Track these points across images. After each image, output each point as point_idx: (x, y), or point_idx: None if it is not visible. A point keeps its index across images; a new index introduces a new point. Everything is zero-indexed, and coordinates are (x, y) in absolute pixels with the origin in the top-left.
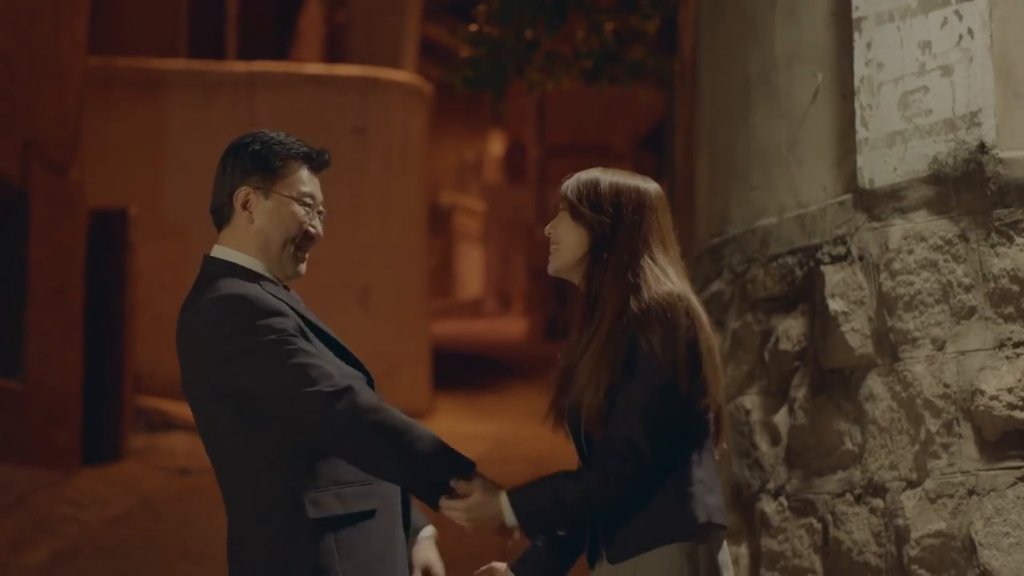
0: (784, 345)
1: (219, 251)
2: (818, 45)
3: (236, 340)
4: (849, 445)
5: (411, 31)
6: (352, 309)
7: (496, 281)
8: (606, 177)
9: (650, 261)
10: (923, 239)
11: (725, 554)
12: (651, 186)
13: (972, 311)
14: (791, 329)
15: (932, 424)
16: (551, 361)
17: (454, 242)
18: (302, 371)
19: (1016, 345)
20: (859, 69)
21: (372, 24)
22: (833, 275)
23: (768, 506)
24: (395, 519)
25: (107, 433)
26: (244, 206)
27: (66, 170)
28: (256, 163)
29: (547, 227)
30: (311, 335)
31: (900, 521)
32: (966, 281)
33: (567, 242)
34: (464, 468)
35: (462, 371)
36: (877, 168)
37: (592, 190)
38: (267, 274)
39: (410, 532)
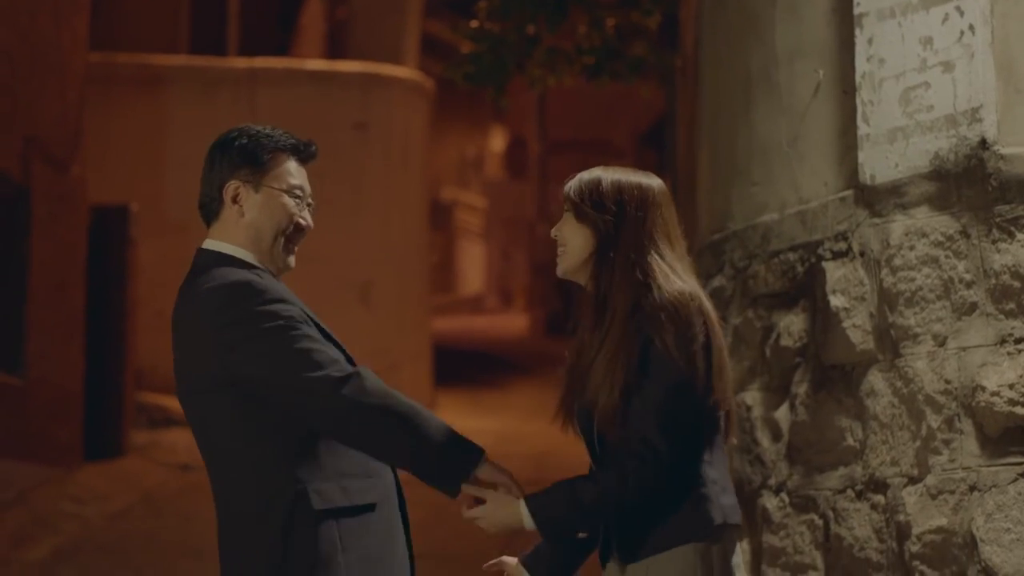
0: (785, 341)
1: (211, 244)
2: (819, 41)
3: (240, 327)
4: (850, 441)
5: (412, 27)
6: (353, 305)
7: (497, 277)
8: (608, 175)
9: (657, 258)
10: (924, 235)
11: (738, 555)
12: (654, 182)
13: (973, 307)
14: (792, 325)
15: (933, 420)
16: (552, 357)
17: (455, 238)
18: (308, 356)
19: (1017, 341)
20: (860, 65)
21: (373, 20)
22: (834, 271)
23: (769, 502)
24: (394, 514)
25: (108, 429)
26: (234, 200)
27: (67, 166)
28: (244, 157)
29: (553, 229)
30: (311, 324)
31: (901, 517)
32: (967, 277)
33: (573, 243)
34: (473, 455)
35: (463, 367)
36: (878, 164)
37: (594, 189)
38: (259, 265)
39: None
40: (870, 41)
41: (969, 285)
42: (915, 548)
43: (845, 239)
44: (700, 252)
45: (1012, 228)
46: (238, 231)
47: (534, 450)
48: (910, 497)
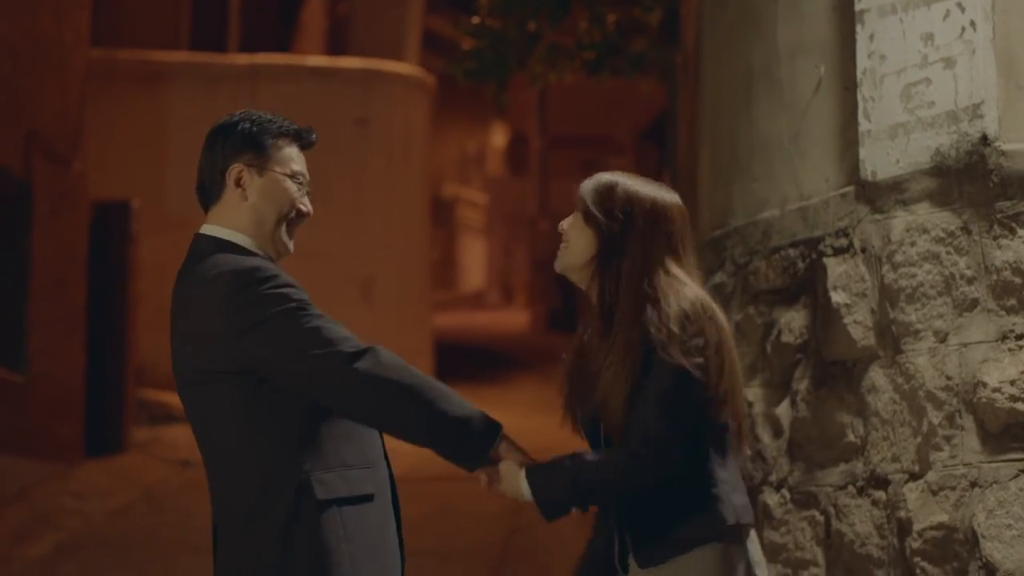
0: (786, 337)
1: (210, 229)
2: (820, 37)
3: (252, 311)
4: (851, 437)
5: (413, 23)
6: (354, 301)
7: (498, 273)
8: (624, 183)
9: (663, 272)
10: (925, 231)
11: (757, 552)
12: (669, 197)
13: (974, 303)
14: (793, 321)
15: (934, 416)
16: (554, 353)
17: (456, 234)
18: (321, 334)
19: (1019, 337)
20: (861, 61)
21: (374, 16)
22: (835, 267)
23: (770, 498)
24: (388, 505)
25: (109, 426)
26: (237, 183)
27: (68, 162)
28: (249, 141)
29: (562, 223)
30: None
31: (902, 513)
32: (968, 273)
33: (576, 243)
34: (491, 430)
35: (465, 363)
36: (879, 160)
37: (606, 194)
38: (259, 252)
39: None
40: (871, 37)
41: (970, 281)
42: (916, 544)
43: (846, 235)
44: (701, 248)
45: (1013, 224)
46: (240, 215)
47: (536, 446)
48: (911, 493)
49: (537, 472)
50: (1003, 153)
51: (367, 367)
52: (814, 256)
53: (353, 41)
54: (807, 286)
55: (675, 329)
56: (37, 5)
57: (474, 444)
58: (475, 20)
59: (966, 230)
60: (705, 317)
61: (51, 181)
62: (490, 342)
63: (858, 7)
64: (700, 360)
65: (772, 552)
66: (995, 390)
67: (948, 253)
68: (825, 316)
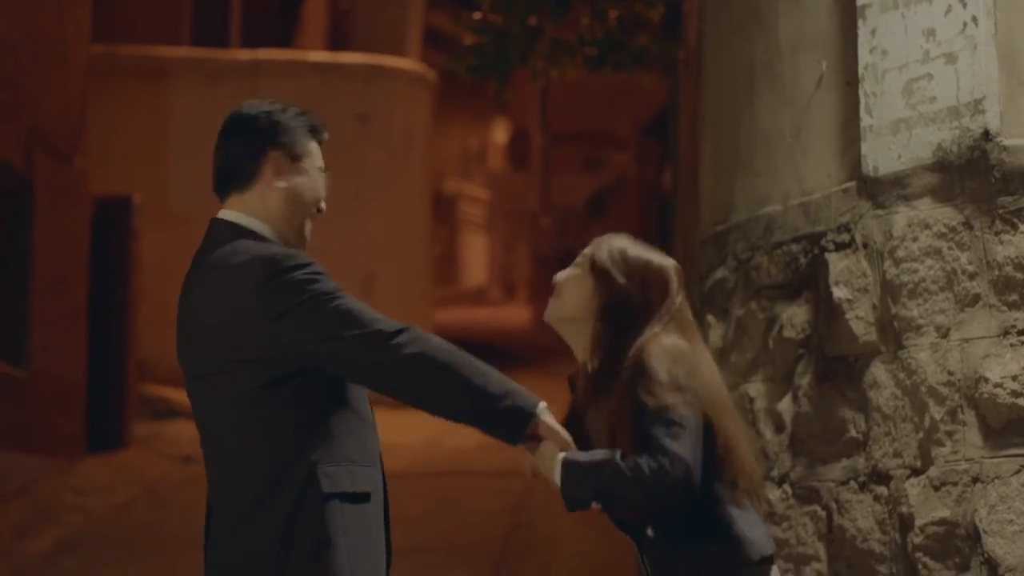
0: (788, 332)
1: (231, 215)
2: (822, 32)
3: (288, 296)
4: (853, 432)
5: (415, 19)
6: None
7: (500, 269)
8: (634, 249)
9: (661, 332)
10: (927, 226)
11: None
12: (669, 262)
13: (976, 299)
14: (795, 316)
15: (936, 412)
16: (555, 349)
17: (458, 230)
18: (358, 316)
19: (1020, 333)
20: (863, 56)
21: (376, 12)
22: (837, 262)
23: (772, 493)
24: (381, 506)
25: (111, 421)
26: (275, 173)
27: (70, 158)
28: (286, 132)
29: (558, 275)
30: None
31: (904, 508)
32: (970, 269)
33: (570, 297)
34: (530, 406)
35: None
36: (881, 155)
37: (620, 258)
38: (277, 241)
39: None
40: (873, 32)
41: (972, 277)
42: (918, 540)
43: (848, 230)
44: (703, 243)
45: (1015, 220)
46: (269, 204)
47: None
48: (913, 489)
49: (571, 467)
50: (1005, 148)
51: (407, 344)
52: (816, 251)
53: (355, 37)
54: (809, 281)
55: (644, 373)
56: (38, 1)
57: (514, 420)
58: (477, 16)
59: (968, 225)
60: (671, 357)
61: (53, 177)
62: (492, 338)
63: (859, 2)
64: (674, 390)
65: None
66: (997, 385)
67: (950, 248)
68: (827, 311)
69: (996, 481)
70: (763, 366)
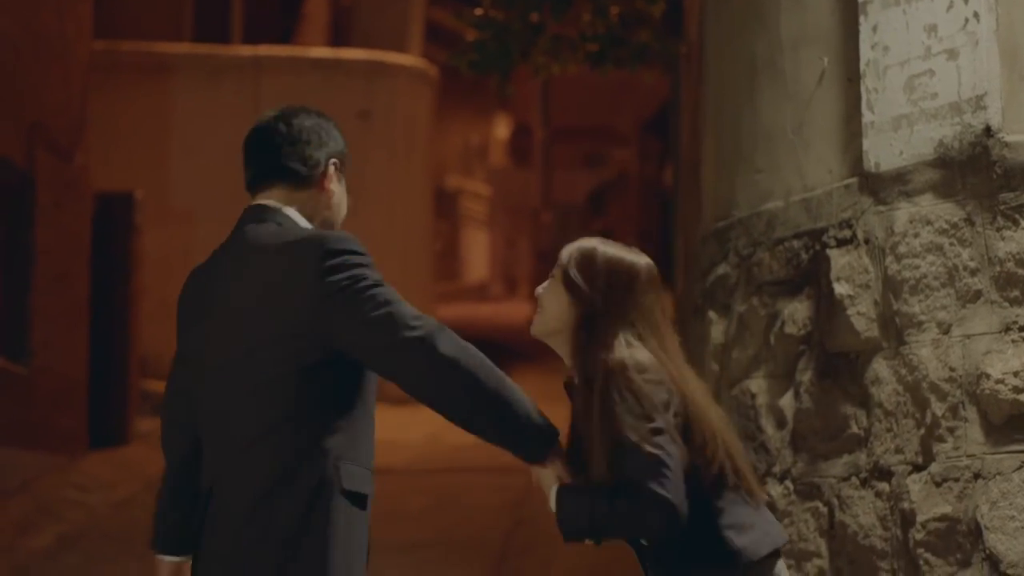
0: (790, 329)
1: (281, 206)
2: (824, 28)
3: (343, 276)
4: (855, 429)
5: (416, 15)
6: None
7: (502, 265)
8: (603, 249)
9: (635, 339)
10: (929, 223)
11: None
12: (642, 260)
13: (978, 295)
14: (797, 313)
15: (938, 408)
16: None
17: (460, 226)
18: (400, 308)
19: (1022, 329)
20: (865, 52)
21: (377, 8)
22: (839, 258)
23: (774, 490)
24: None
25: (113, 417)
26: (329, 178)
27: (71, 154)
28: (342, 144)
29: (538, 288)
30: None
31: (906, 505)
32: (972, 265)
33: (550, 309)
34: (552, 433)
35: None
36: (883, 151)
37: (587, 263)
38: None
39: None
40: (874, 29)
41: (974, 273)
42: (919, 536)
43: (850, 226)
44: (704, 239)
45: (1017, 215)
46: (317, 207)
47: None
48: (914, 485)
49: (565, 495)
50: (1006, 144)
51: (441, 346)
52: (818, 247)
53: (356, 33)
54: (811, 277)
55: (614, 387)
56: None
57: (537, 442)
58: (478, 11)
59: (969, 221)
60: (645, 376)
61: (54, 173)
62: (493, 334)
63: None
64: (645, 414)
65: None
66: (998, 382)
67: (951, 244)
68: (829, 307)
69: (998, 477)
70: (765, 362)
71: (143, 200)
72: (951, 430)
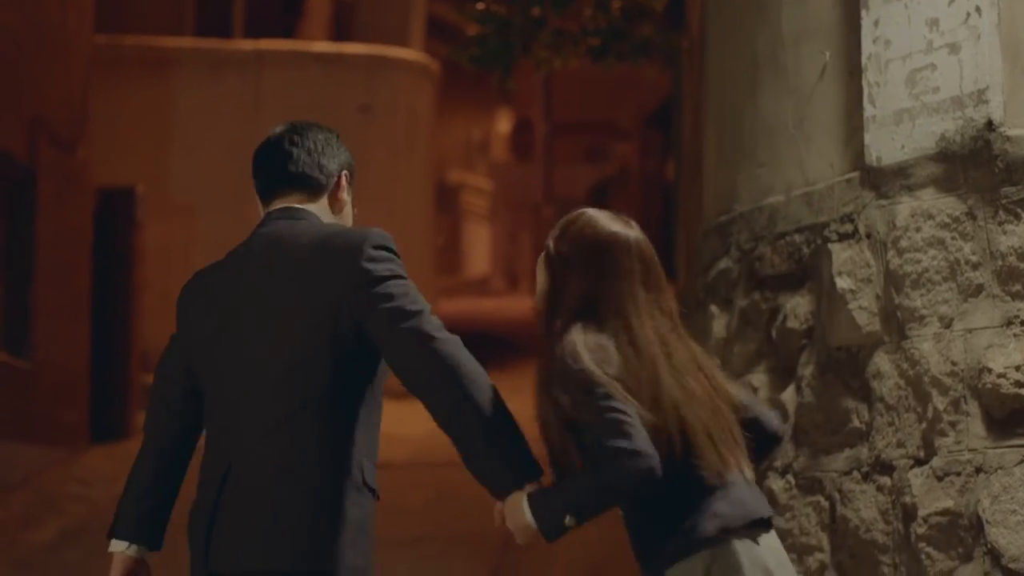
0: (791, 323)
1: (310, 208)
2: (825, 22)
3: (382, 268)
4: (856, 423)
5: (418, 9)
6: None
7: (503, 260)
8: (583, 218)
9: (586, 319)
10: (930, 217)
11: (759, 554)
12: (620, 231)
13: (979, 289)
14: (798, 307)
15: (939, 402)
16: None
17: (461, 220)
18: (426, 312)
19: (1023, 323)
20: (866, 47)
21: (379, 2)
22: (840, 253)
23: (775, 484)
24: None
25: (114, 411)
26: (341, 188)
27: (73, 148)
28: (351, 157)
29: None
30: None
31: (907, 499)
32: (973, 259)
33: (538, 284)
34: (537, 468)
35: (470, 350)
36: (884, 146)
37: (562, 232)
38: None
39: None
40: (876, 23)
41: (975, 267)
42: (921, 530)
43: (851, 221)
44: (706, 234)
45: (1018, 210)
46: (328, 216)
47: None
48: (916, 479)
49: (537, 496)
50: (1008, 139)
51: (455, 353)
52: (819, 242)
53: (358, 27)
54: (812, 272)
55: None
56: None
57: (504, 479)
58: (480, 6)
59: (971, 216)
60: (569, 352)
61: (56, 167)
62: (495, 328)
63: None
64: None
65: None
66: (1000, 376)
67: (953, 239)
68: (830, 302)
69: (999, 471)
70: (766, 357)
71: (144, 194)
72: (953, 424)
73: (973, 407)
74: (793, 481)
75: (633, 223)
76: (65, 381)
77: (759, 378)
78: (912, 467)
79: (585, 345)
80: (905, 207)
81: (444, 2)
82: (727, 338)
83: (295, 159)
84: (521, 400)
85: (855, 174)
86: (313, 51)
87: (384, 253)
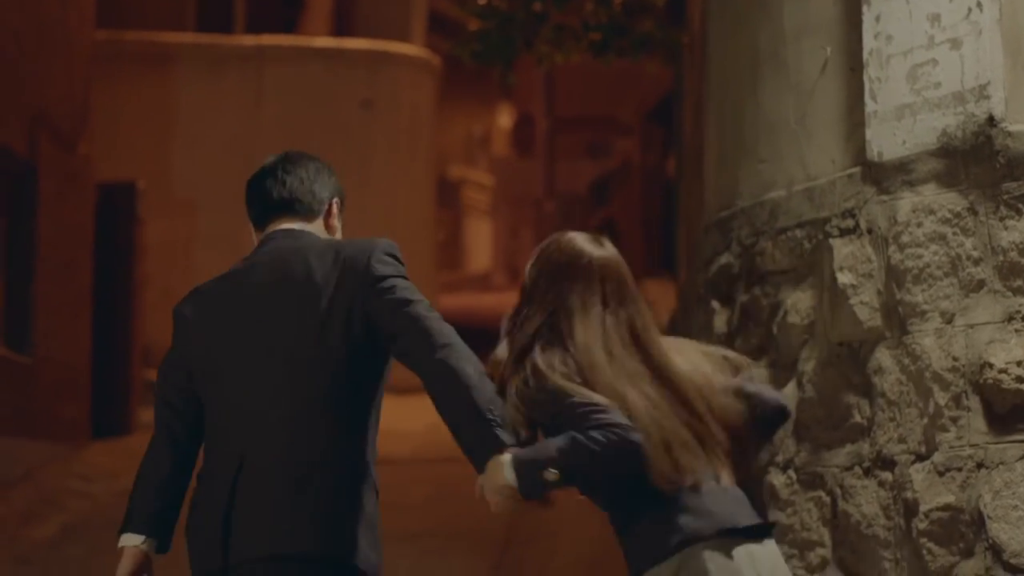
0: (793, 318)
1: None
2: (827, 18)
3: (391, 271)
4: (858, 418)
5: (419, 4)
6: None
7: (504, 255)
8: (553, 242)
9: (545, 336)
10: (932, 212)
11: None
12: (585, 250)
13: (981, 284)
14: (800, 302)
15: (941, 397)
16: None
17: (462, 216)
18: (433, 314)
19: None
20: (868, 42)
21: None
22: (842, 248)
23: (777, 479)
24: None
25: (116, 407)
26: (332, 213)
27: (74, 144)
28: (341, 186)
29: None
30: None
31: (909, 494)
32: (975, 254)
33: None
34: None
35: (471, 345)
36: (886, 141)
37: (535, 256)
38: None
39: None
40: (877, 18)
41: (977, 262)
42: (922, 525)
43: (852, 216)
44: (707, 229)
45: (1020, 205)
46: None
47: None
48: (917, 474)
49: (519, 454)
50: (1009, 134)
51: (446, 334)
52: (820, 237)
53: (359, 22)
54: (814, 267)
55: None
56: None
57: (490, 441)
58: (481, 1)
59: (972, 211)
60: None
61: (57, 163)
62: (496, 323)
63: None
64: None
65: (778, 533)
66: (1001, 371)
67: (954, 234)
68: (832, 297)
69: (1001, 467)
70: (768, 352)
71: (146, 190)
72: (954, 420)
73: (974, 402)
74: (794, 476)
75: (607, 243)
76: (66, 377)
77: (760, 373)
78: (913, 462)
79: (548, 365)
80: (906, 202)
81: None
82: (728, 333)
83: (288, 187)
84: None
85: (856, 169)
86: (314, 46)
87: (391, 259)
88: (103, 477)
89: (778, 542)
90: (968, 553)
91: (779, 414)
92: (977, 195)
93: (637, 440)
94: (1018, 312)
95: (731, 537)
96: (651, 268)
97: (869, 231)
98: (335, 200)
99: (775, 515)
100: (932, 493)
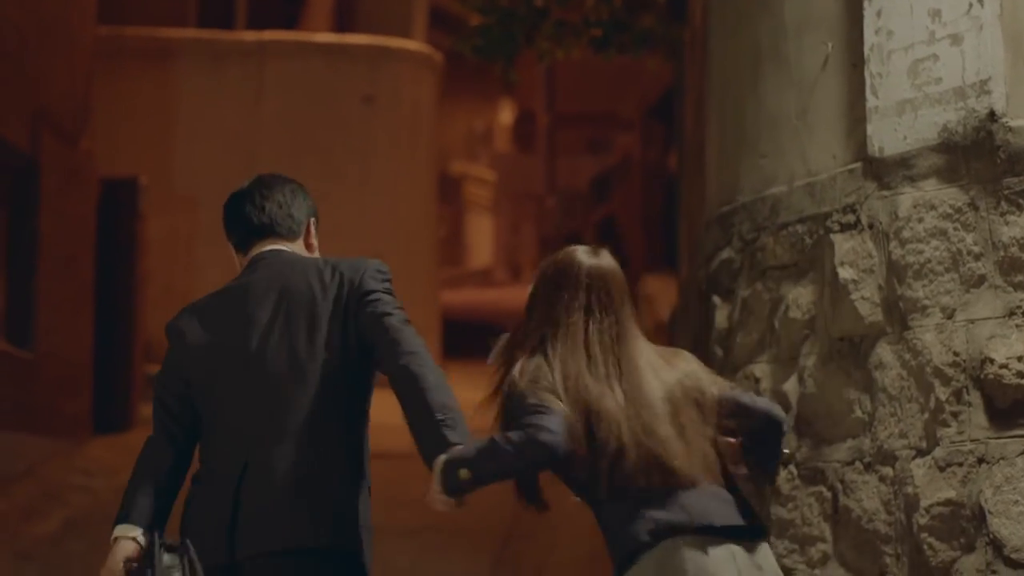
0: (794, 313)
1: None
2: (828, 13)
3: (379, 285)
4: (859, 413)
5: (421, 0)
6: None
7: (506, 250)
8: (552, 258)
9: (536, 347)
10: (933, 207)
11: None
12: (578, 261)
13: (982, 279)
14: (801, 297)
15: (942, 392)
16: None
17: (464, 211)
18: (410, 328)
19: None
20: (869, 37)
21: None
22: (843, 243)
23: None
24: None
25: (117, 402)
26: (310, 233)
27: (76, 139)
28: (314, 205)
29: None
30: None
31: (910, 489)
32: (976, 249)
33: None
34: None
35: (472, 340)
36: (887, 136)
37: (538, 271)
38: None
39: None
40: (879, 13)
41: (977, 257)
42: (923, 520)
43: (854, 211)
44: (708, 224)
45: (1021, 200)
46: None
47: None
48: (918, 469)
49: (448, 456)
50: (1010, 129)
51: (428, 362)
52: (821, 232)
53: (360, 18)
54: (815, 262)
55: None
56: None
57: (438, 444)
58: None
59: (973, 206)
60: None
61: (59, 158)
62: (498, 319)
63: None
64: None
65: (779, 528)
66: (1002, 366)
67: (955, 229)
68: (832, 292)
69: (1001, 462)
70: (769, 347)
71: (148, 185)
72: (955, 415)
73: (975, 397)
74: (795, 471)
75: (604, 253)
76: (68, 372)
77: (761, 368)
78: (914, 457)
79: (522, 372)
80: (907, 198)
81: None
82: (729, 328)
83: (268, 212)
84: None
85: (857, 165)
86: (316, 42)
87: (382, 276)
88: (104, 472)
89: (779, 537)
90: (969, 548)
91: (771, 424)
92: (978, 190)
93: (546, 441)
94: (1019, 307)
95: (713, 536)
96: (652, 264)
97: (870, 226)
98: (312, 219)
99: (776, 510)
100: (933, 488)
